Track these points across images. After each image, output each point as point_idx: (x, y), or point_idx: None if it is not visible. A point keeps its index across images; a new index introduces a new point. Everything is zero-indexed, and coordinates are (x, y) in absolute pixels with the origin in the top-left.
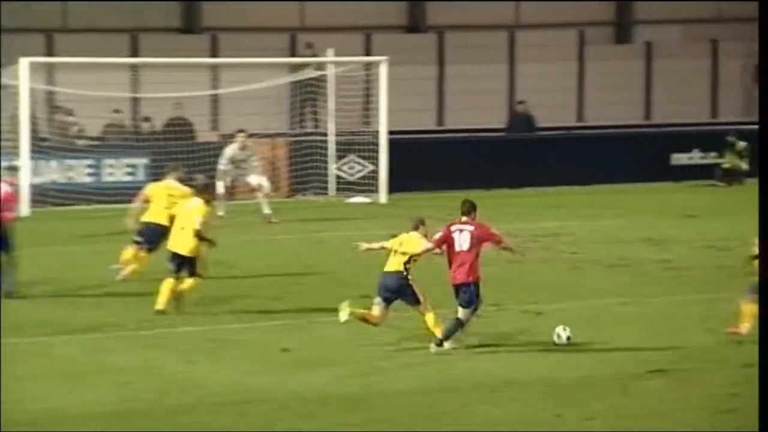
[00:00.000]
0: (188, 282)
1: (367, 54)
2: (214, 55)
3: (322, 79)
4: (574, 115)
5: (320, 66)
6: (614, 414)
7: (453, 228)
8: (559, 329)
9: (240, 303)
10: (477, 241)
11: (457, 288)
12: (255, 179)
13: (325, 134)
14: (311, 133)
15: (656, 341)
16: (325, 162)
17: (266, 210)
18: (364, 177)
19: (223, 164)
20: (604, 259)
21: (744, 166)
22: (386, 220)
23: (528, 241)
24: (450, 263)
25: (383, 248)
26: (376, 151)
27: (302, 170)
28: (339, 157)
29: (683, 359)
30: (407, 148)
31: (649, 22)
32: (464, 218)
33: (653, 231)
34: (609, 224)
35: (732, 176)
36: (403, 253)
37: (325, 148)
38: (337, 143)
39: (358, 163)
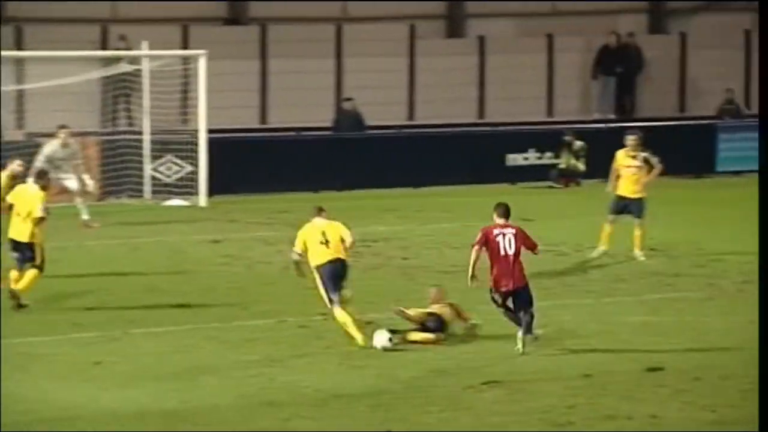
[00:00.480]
0: (29, 274)
1: (185, 47)
2: (19, 48)
3: (136, 74)
4: (404, 113)
5: (134, 60)
6: (445, 426)
7: (495, 231)
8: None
9: (48, 314)
10: (521, 243)
11: (512, 293)
12: (73, 181)
13: (140, 133)
14: (125, 132)
15: (492, 351)
16: (140, 162)
17: (85, 215)
18: (182, 178)
19: (40, 162)
20: (437, 265)
21: (581, 166)
22: (206, 224)
23: (358, 247)
24: (492, 267)
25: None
26: (195, 151)
27: (115, 171)
28: (155, 158)
29: (519, 370)
30: (228, 147)
31: (482, 16)
32: (501, 221)
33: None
34: (442, 228)
35: (569, 177)
36: (342, 240)
37: (140, 148)
38: (153, 142)
39: (176, 164)
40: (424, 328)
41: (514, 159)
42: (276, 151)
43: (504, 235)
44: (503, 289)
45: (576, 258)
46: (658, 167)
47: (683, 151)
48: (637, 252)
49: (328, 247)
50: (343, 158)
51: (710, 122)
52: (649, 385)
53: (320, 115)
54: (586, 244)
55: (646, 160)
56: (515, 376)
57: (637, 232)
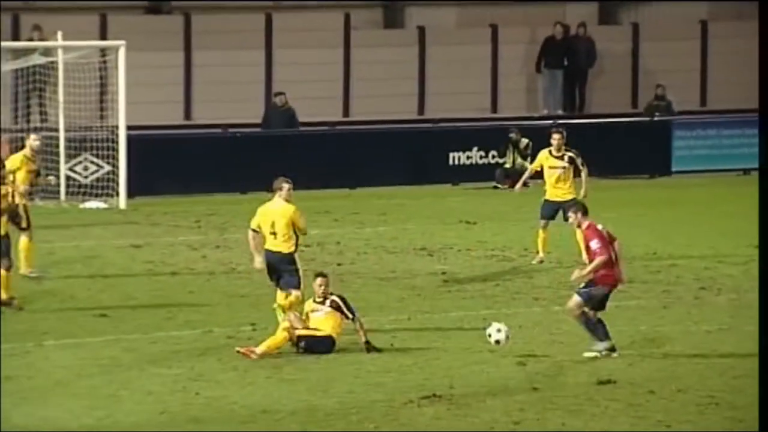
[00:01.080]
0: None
1: (103, 38)
2: None
3: (50, 67)
4: (339, 108)
5: (48, 51)
6: None
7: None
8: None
9: None
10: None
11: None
12: None
13: (55, 130)
14: (38, 129)
15: (432, 363)
16: (56, 162)
17: None
18: (100, 179)
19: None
20: (374, 272)
21: (527, 165)
22: (126, 227)
23: None
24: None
25: None
26: (114, 150)
27: None
28: (71, 156)
29: (461, 383)
30: (149, 145)
31: (422, 5)
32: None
33: (428, 239)
34: (378, 232)
35: (515, 177)
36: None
37: (55, 146)
38: (69, 140)
39: (93, 163)
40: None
41: (457, 158)
42: (201, 150)
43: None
44: (617, 284)
45: (522, 263)
46: (584, 169)
47: (637, 150)
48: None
49: (275, 238)
50: (274, 157)
51: (666, 119)
52: (600, 398)
53: (249, 111)
54: (533, 248)
55: (571, 160)
56: (458, 389)
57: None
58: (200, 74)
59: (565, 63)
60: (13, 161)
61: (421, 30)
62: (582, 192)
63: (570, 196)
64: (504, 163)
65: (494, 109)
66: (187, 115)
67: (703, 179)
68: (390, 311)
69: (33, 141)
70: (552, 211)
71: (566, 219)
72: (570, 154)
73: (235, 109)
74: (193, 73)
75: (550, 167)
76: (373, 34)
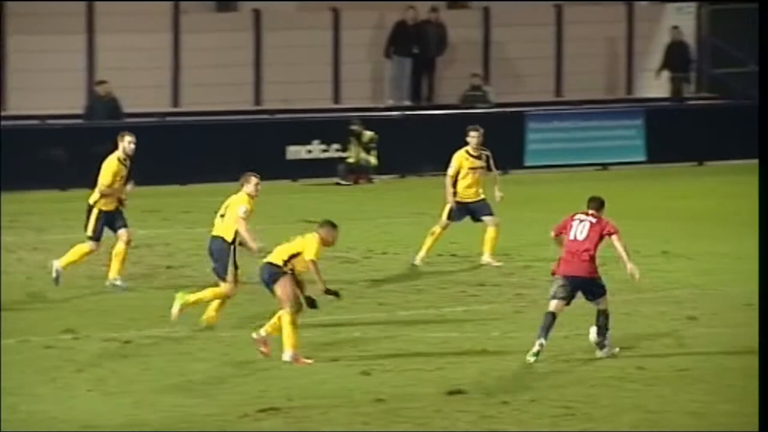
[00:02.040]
0: None
1: None
2: None
3: None
4: (168, 98)
5: None
6: None
7: (576, 217)
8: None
9: None
10: (597, 234)
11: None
12: None
13: None
14: None
15: (270, 373)
16: None
17: None
18: None
19: None
20: (206, 275)
21: (372, 161)
22: None
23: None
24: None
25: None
26: None
27: None
28: None
29: (302, 394)
30: None
31: None
32: (591, 211)
33: (265, 240)
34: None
35: (359, 173)
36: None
37: None
38: None
39: None
40: None
41: (296, 152)
42: (16, 143)
43: (581, 221)
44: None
45: (366, 266)
46: (495, 169)
47: (488, 143)
48: (488, 258)
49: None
50: (97, 150)
51: (518, 110)
52: (449, 410)
53: (69, 101)
54: (378, 249)
55: (488, 159)
56: (297, 401)
57: (490, 234)
58: (15, 61)
59: (415, 50)
60: (108, 166)
61: (257, 14)
62: (498, 192)
63: (481, 197)
64: (347, 157)
65: (336, 99)
66: (0, 104)
67: (559, 174)
68: (223, 316)
69: (128, 143)
70: (464, 213)
71: (477, 220)
72: (486, 152)
73: (54, 99)
74: (8, 60)
75: (470, 168)
76: (204, 18)
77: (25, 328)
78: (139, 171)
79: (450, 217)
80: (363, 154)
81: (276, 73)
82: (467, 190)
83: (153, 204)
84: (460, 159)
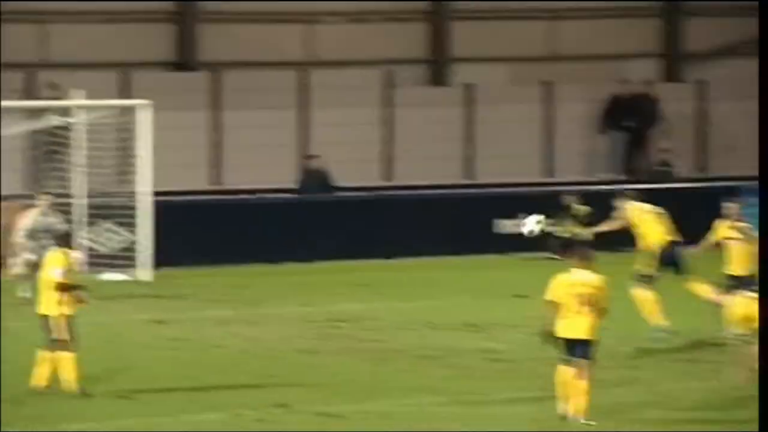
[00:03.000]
0: (64, 358)
1: (125, 97)
2: None
3: (68, 128)
4: (379, 172)
5: (66, 111)
6: None
7: None
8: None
9: None
10: None
11: None
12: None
13: (73, 196)
14: (55, 195)
15: None
16: (73, 230)
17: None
18: (122, 249)
19: (21, 236)
20: (415, 349)
21: (586, 234)
22: (150, 301)
23: (325, 328)
24: None
25: None
26: (136, 217)
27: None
28: (90, 224)
29: None
30: (175, 212)
31: (469, 60)
32: None
33: (475, 314)
34: (421, 306)
35: (571, 247)
36: None
37: (72, 213)
38: (88, 207)
39: (114, 232)
40: None
41: (505, 226)
42: (231, 217)
43: None
44: None
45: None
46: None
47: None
48: None
49: None
50: (309, 225)
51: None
52: None
53: (282, 176)
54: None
55: (744, 231)
56: None
57: None
58: (230, 136)
59: (629, 124)
60: None
61: (469, 88)
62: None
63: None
64: (559, 231)
65: (548, 173)
66: (216, 179)
67: None
68: (433, 392)
69: None
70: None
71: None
72: (745, 224)
73: (267, 173)
74: (222, 134)
75: (730, 238)
76: (416, 92)
77: (238, 402)
78: (349, 244)
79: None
80: (576, 228)
81: (487, 146)
82: (737, 263)
83: (362, 278)
84: (722, 229)
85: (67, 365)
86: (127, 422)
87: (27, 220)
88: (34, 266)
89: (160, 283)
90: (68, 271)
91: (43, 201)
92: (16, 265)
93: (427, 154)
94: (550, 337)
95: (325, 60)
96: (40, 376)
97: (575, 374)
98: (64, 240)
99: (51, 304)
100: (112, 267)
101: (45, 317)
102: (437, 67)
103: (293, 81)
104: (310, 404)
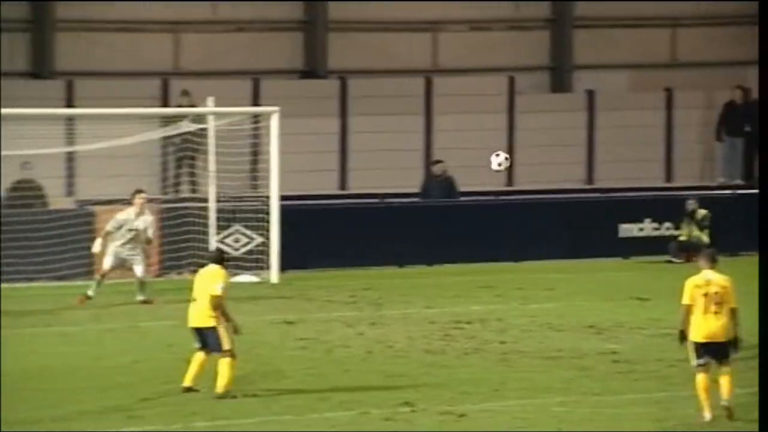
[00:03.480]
0: (224, 364)
1: (255, 104)
2: (69, 105)
3: (200, 134)
4: (502, 177)
5: (198, 118)
6: None
7: None
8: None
9: (97, 405)
10: None
11: None
12: (138, 257)
13: (205, 200)
14: (188, 199)
15: None
16: (205, 233)
17: (141, 295)
18: (251, 251)
19: (111, 226)
20: (539, 350)
21: (705, 238)
22: (279, 303)
23: (450, 329)
24: None
25: None
26: (266, 221)
27: (177, 243)
28: (221, 228)
29: None
30: (303, 216)
31: (591, 68)
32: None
33: (597, 316)
34: (544, 308)
35: (691, 251)
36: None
37: (205, 217)
38: (219, 211)
39: (245, 235)
40: None
41: (628, 230)
42: (357, 221)
43: None
44: None
45: None
46: None
47: None
48: None
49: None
50: (433, 228)
51: None
52: None
53: (407, 180)
54: None
55: None
56: None
57: None
58: (356, 141)
59: (747, 129)
60: None
61: (590, 94)
62: None
63: None
64: (679, 235)
65: (668, 178)
66: (343, 184)
67: None
68: (556, 393)
69: None
70: None
71: None
72: None
73: (393, 178)
74: (349, 139)
75: None
76: (539, 99)
77: (365, 401)
78: (472, 248)
79: None
80: (696, 232)
81: (608, 152)
82: None
83: (486, 280)
84: None
85: (225, 370)
86: (256, 421)
87: (121, 216)
88: (121, 264)
89: (287, 285)
90: (226, 287)
91: (138, 201)
92: (105, 263)
93: (549, 159)
94: (685, 339)
95: (448, 68)
96: (192, 377)
97: (715, 376)
98: (219, 257)
99: (206, 317)
100: (242, 269)
101: (199, 329)
102: (559, 73)
103: (418, 88)
104: (436, 404)
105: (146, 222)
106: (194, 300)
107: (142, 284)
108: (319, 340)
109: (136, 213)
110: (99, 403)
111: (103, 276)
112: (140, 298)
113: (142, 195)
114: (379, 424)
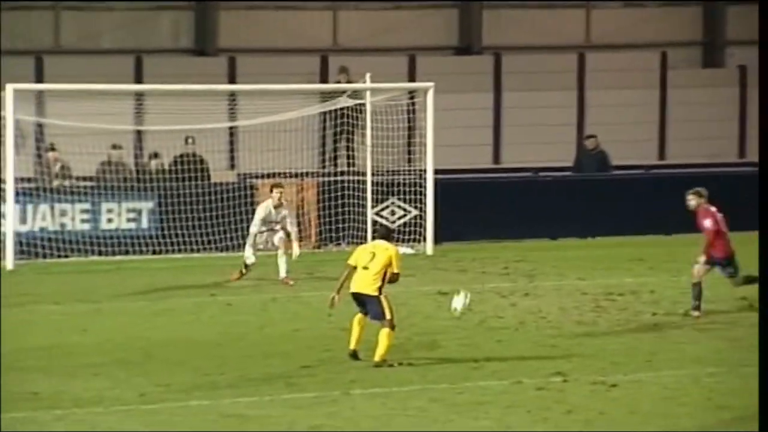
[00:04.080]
0: (384, 334)
1: (411, 79)
2: (231, 81)
3: (358, 109)
4: (654, 152)
5: (356, 93)
6: None
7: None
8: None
9: (260, 372)
10: None
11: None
12: (279, 234)
13: (362, 174)
14: (345, 173)
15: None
16: (362, 206)
17: (283, 271)
18: (406, 224)
19: (255, 227)
20: (690, 322)
21: None
22: (433, 274)
23: (602, 300)
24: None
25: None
26: (421, 194)
27: (334, 216)
28: (378, 201)
29: None
30: (457, 190)
31: (744, 43)
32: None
33: (751, 289)
34: None
35: None
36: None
37: (362, 190)
38: (376, 184)
39: (400, 208)
40: None
41: None
42: (510, 194)
43: None
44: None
45: None
46: None
47: None
48: None
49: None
50: (585, 202)
51: None
52: None
53: (559, 154)
54: None
55: None
56: None
57: None
58: (510, 116)
59: None
60: None
61: (743, 69)
62: None
63: None
64: None
65: None
66: (496, 158)
67: None
68: (708, 363)
69: None
70: None
71: None
72: None
73: (545, 152)
74: (503, 114)
75: None
76: (691, 74)
77: (518, 370)
78: (625, 221)
79: None
80: None
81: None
82: None
83: (638, 253)
84: None
85: (384, 339)
86: (411, 388)
87: (260, 211)
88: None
89: (442, 257)
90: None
91: (276, 194)
92: (249, 257)
93: (702, 134)
94: None
95: (601, 43)
96: (356, 340)
97: None
98: (389, 233)
99: (371, 286)
100: (398, 241)
101: (362, 296)
102: (711, 49)
103: (571, 64)
104: (587, 374)
105: (285, 215)
106: (365, 269)
107: (285, 262)
108: (472, 310)
109: (275, 205)
110: (262, 369)
111: (243, 274)
112: (283, 275)
113: (280, 189)
114: (531, 394)
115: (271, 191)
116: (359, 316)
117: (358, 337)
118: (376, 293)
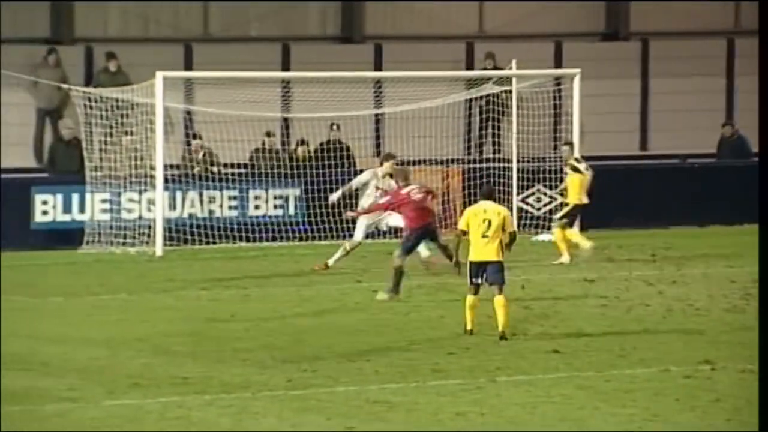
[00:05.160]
0: (500, 302)
1: (558, 66)
2: (377, 68)
3: (504, 96)
4: None
5: (502, 80)
6: None
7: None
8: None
9: (405, 358)
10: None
11: None
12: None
13: (508, 160)
14: (491, 159)
15: None
16: (508, 193)
17: (425, 251)
18: (551, 211)
19: (356, 184)
20: None
21: None
22: (579, 261)
23: (751, 288)
24: None
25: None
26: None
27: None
28: (523, 188)
29: None
30: (603, 177)
31: None
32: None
33: None
34: None
35: None
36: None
37: (508, 177)
38: (521, 171)
39: (546, 195)
40: None
41: None
42: (657, 181)
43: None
44: None
45: None
46: None
47: None
48: None
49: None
50: (730, 188)
51: None
52: None
53: (707, 141)
54: None
55: None
56: None
57: None
58: (657, 102)
59: None
60: None
61: None
62: None
63: None
64: None
65: None
66: (643, 144)
67: None
68: None
69: None
70: None
71: None
72: None
73: (693, 139)
74: (650, 101)
75: None
76: None
77: (665, 358)
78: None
79: None
80: None
81: None
82: None
83: None
84: None
85: (504, 308)
86: (557, 376)
87: (364, 177)
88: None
89: None
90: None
91: (386, 164)
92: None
93: None
94: None
95: (751, 29)
96: (470, 321)
97: None
98: (492, 193)
99: (495, 252)
100: (544, 228)
101: (485, 263)
102: None
103: (719, 49)
104: (736, 362)
105: (390, 185)
106: (484, 237)
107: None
108: (619, 298)
109: (383, 174)
110: (408, 356)
111: (351, 250)
112: (425, 255)
113: (391, 162)
114: (679, 382)
115: (383, 163)
116: (471, 298)
117: (473, 318)
118: (499, 258)
